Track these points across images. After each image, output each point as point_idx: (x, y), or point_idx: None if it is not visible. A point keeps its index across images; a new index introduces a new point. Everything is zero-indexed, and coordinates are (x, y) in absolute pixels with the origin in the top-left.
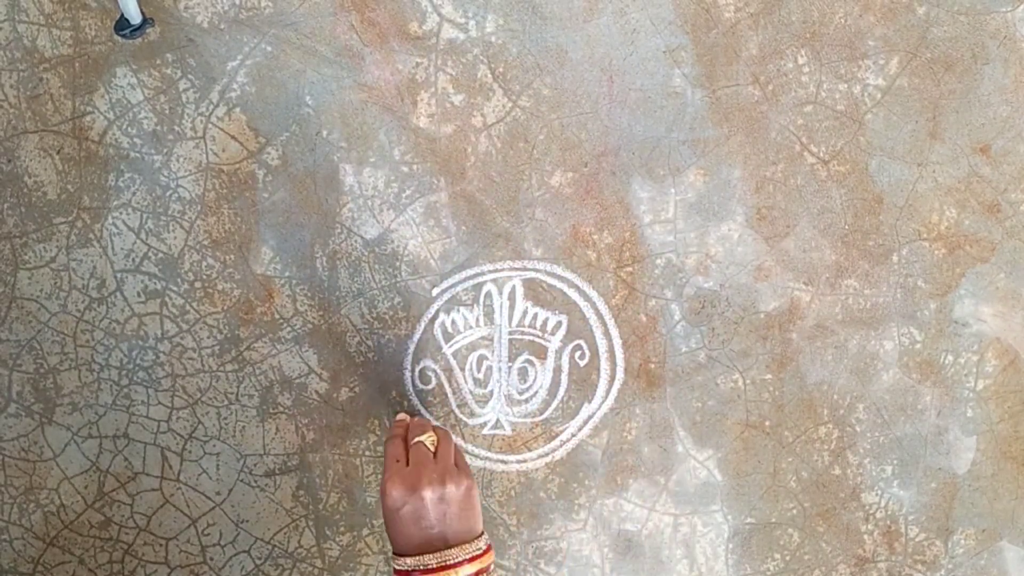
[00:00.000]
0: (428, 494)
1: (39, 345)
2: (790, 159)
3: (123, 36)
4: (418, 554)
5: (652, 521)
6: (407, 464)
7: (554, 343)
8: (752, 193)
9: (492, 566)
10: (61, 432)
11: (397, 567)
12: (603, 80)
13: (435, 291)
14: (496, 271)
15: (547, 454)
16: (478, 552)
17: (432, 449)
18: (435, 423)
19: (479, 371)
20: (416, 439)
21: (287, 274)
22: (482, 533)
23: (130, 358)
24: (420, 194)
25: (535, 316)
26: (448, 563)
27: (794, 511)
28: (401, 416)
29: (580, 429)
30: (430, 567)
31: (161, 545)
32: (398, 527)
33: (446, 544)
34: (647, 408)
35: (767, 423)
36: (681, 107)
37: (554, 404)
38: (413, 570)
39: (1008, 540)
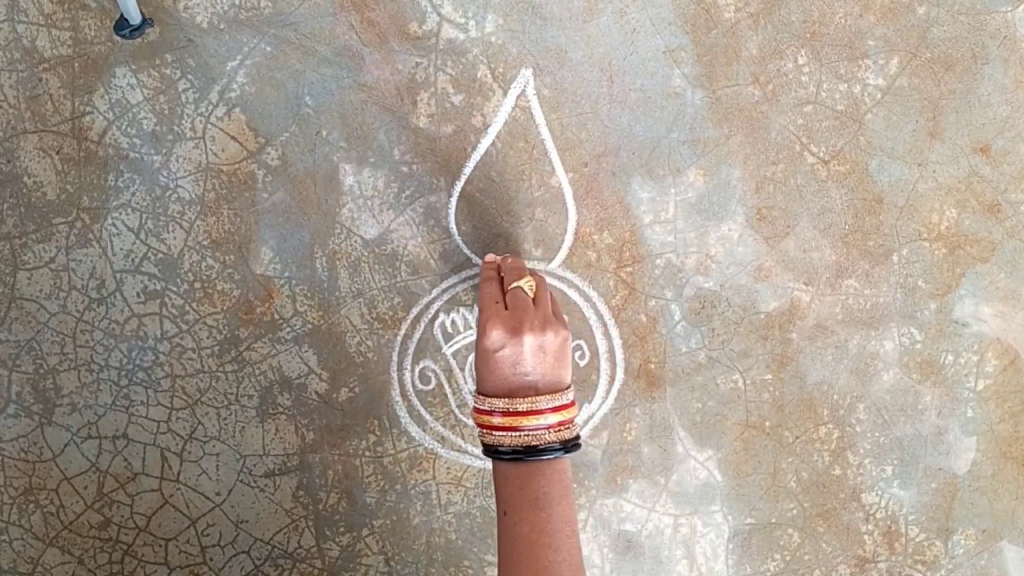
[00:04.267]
0: (529, 340)
1: (39, 346)
2: (790, 159)
3: (122, 36)
4: (508, 396)
5: (652, 521)
6: (505, 307)
7: None
8: (752, 193)
9: (575, 420)
10: (60, 432)
11: (480, 406)
12: (603, 80)
13: (435, 291)
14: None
15: None
16: (565, 403)
17: (530, 295)
18: (529, 267)
19: None
20: (515, 284)
21: (287, 274)
22: (570, 386)
23: (130, 358)
24: (420, 194)
25: None
26: (537, 408)
27: (794, 511)
28: (490, 257)
29: (580, 429)
30: (518, 410)
31: (161, 546)
32: (492, 369)
33: (536, 391)
34: (647, 408)
35: (767, 423)
36: (681, 107)
37: None
38: (496, 411)
39: (1008, 540)
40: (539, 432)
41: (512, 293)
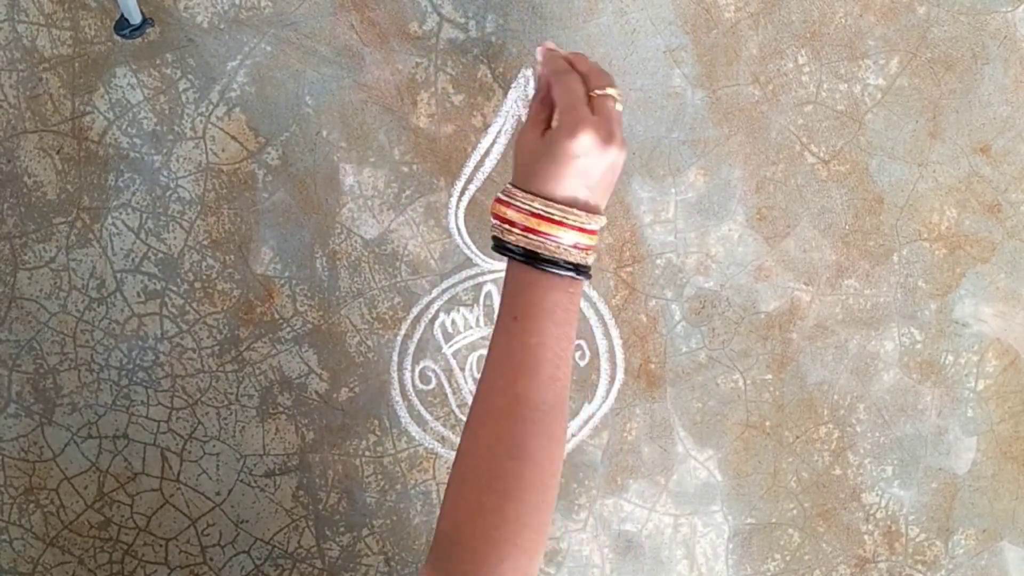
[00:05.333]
0: (612, 156)
1: (39, 345)
2: (790, 159)
3: (123, 36)
4: (549, 199)
5: (652, 521)
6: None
7: None
8: (752, 193)
9: (591, 250)
10: (61, 432)
11: (521, 204)
12: None
13: (435, 291)
14: (496, 271)
15: None
16: (594, 228)
17: (619, 107)
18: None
19: (479, 371)
20: (607, 90)
21: (287, 274)
22: (603, 215)
23: (130, 358)
24: (420, 194)
25: None
26: (569, 222)
27: (794, 511)
28: (551, 44)
29: (580, 429)
30: (560, 220)
31: (161, 545)
32: (562, 171)
33: (583, 207)
34: (647, 408)
35: (767, 423)
36: (681, 107)
37: None
38: (535, 212)
39: (1009, 540)
40: (560, 245)
41: (603, 100)
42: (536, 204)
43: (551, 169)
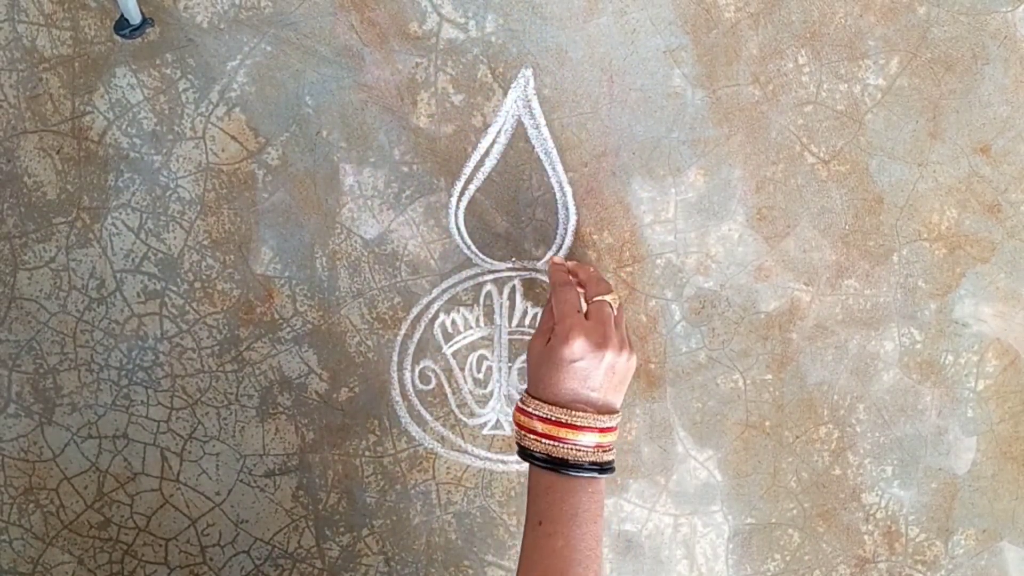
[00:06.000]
0: (609, 358)
1: (39, 345)
2: (790, 159)
3: (123, 36)
4: (563, 407)
5: (652, 521)
6: (587, 317)
7: None
8: (752, 193)
9: (612, 445)
10: (61, 432)
11: (526, 408)
12: (603, 80)
13: (435, 291)
14: (496, 271)
15: None
16: (611, 426)
17: (615, 311)
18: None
19: (479, 371)
20: (602, 297)
21: (287, 274)
22: (618, 412)
23: (130, 358)
24: (420, 194)
25: (535, 316)
26: (586, 426)
27: (794, 511)
28: (557, 259)
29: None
30: (569, 423)
31: (161, 545)
32: (562, 378)
33: (592, 408)
34: (647, 408)
35: (767, 423)
36: (681, 107)
37: None
38: (545, 418)
39: (1008, 540)
40: (579, 449)
41: (598, 305)
42: (545, 410)
43: (553, 375)
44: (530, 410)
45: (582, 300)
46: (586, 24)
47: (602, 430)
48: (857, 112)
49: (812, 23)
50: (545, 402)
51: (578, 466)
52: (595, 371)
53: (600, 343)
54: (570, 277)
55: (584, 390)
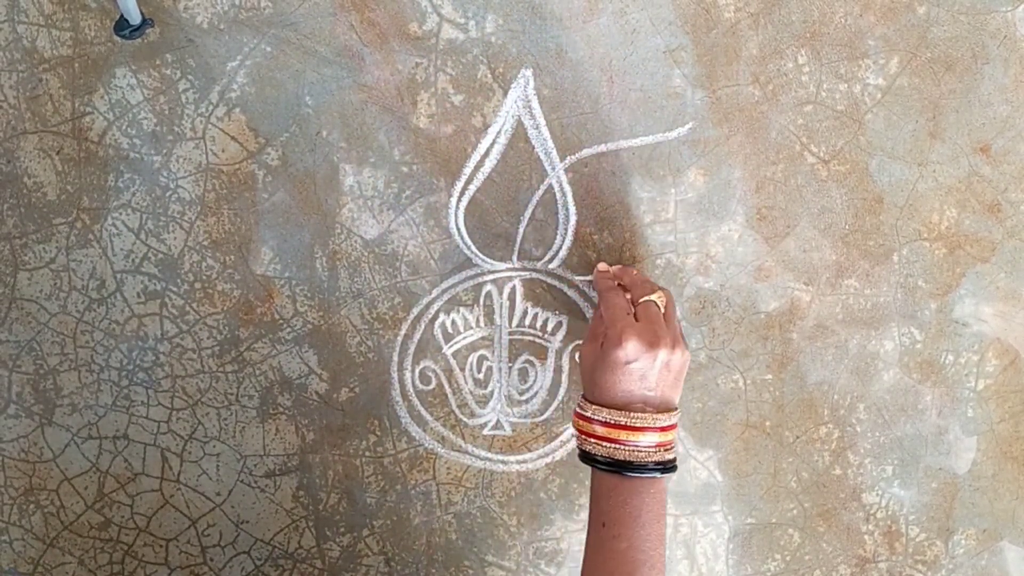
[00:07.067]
0: (663, 355)
1: (39, 346)
2: (790, 159)
3: (122, 37)
4: (620, 409)
5: None
6: (636, 319)
7: (554, 343)
8: (752, 193)
9: (673, 443)
10: (61, 433)
11: (585, 412)
12: (603, 80)
13: (435, 291)
14: (496, 271)
15: (547, 454)
16: (671, 424)
17: (662, 309)
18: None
19: (479, 372)
20: (649, 297)
21: (287, 274)
22: (677, 408)
23: (130, 359)
24: (420, 194)
25: (535, 316)
26: (646, 426)
27: (794, 511)
28: (602, 266)
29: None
30: (629, 425)
31: (161, 546)
32: (618, 380)
33: (650, 408)
34: None
35: (767, 423)
36: (681, 107)
37: (554, 404)
38: (604, 421)
39: (1009, 540)
40: (641, 450)
41: (645, 306)
42: (604, 413)
43: (608, 378)
44: (589, 415)
45: (630, 304)
46: (586, 24)
47: (662, 429)
48: (857, 112)
49: (812, 23)
50: (603, 406)
51: (641, 467)
52: (650, 370)
53: (653, 342)
54: (614, 283)
55: (641, 390)
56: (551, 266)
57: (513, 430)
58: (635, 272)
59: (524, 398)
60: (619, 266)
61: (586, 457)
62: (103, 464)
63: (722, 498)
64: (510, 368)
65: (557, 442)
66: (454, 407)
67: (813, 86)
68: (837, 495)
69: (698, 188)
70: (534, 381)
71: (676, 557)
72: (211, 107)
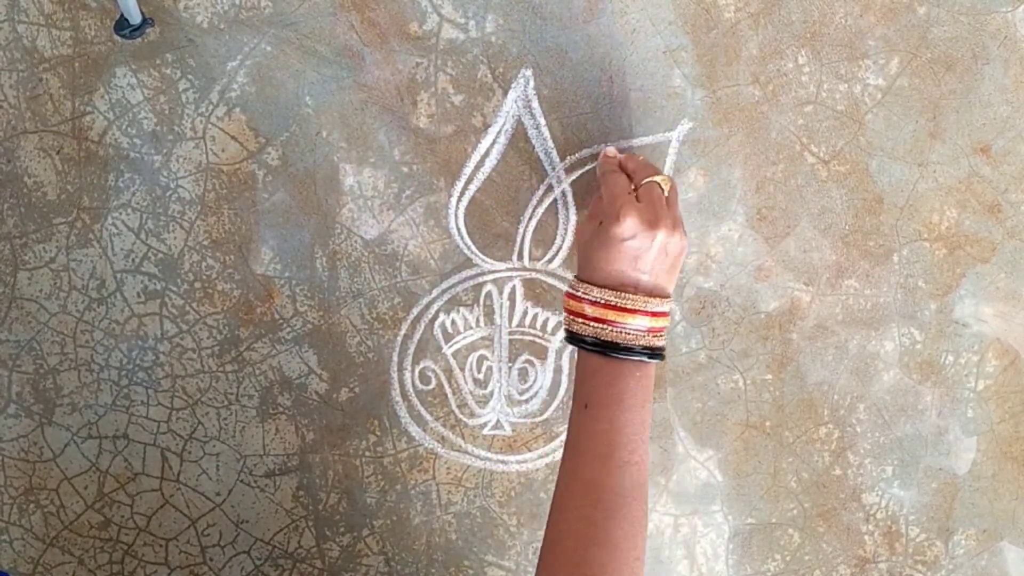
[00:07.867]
0: (661, 237)
1: (39, 346)
2: (790, 159)
3: (123, 36)
4: (612, 288)
5: (652, 521)
6: (637, 200)
7: (554, 343)
8: (752, 193)
9: (664, 331)
10: (61, 433)
11: (575, 292)
12: (603, 80)
13: (435, 291)
14: (496, 271)
15: (547, 454)
16: (663, 311)
17: (666, 192)
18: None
19: (479, 371)
20: (650, 179)
21: (287, 274)
22: (670, 296)
23: (130, 358)
24: (420, 194)
25: (535, 316)
26: (637, 308)
27: (794, 511)
28: (611, 150)
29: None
30: (619, 306)
31: (161, 546)
32: (612, 257)
33: (643, 291)
34: None
35: (767, 423)
36: (681, 107)
37: (554, 404)
38: (595, 300)
39: (1009, 540)
40: (630, 332)
41: (648, 187)
42: (595, 293)
43: (603, 256)
44: (579, 294)
45: (632, 187)
46: (586, 24)
47: (653, 314)
48: (857, 112)
49: (812, 23)
50: (594, 285)
51: (628, 349)
52: (647, 251)
53: (652, 222)
54: (617, 166)
55: (634, 272)
56: (551, 266)
57: (513, 430)
58: (640, 157)
59: (524, 398)
60: (627, 154)
61: (573, 338)
62: (103, 464)
63: (722, 498)
64: (510, 368)
65: (557, 442)
66: (454, 407)
67: (813, 86)
68: (837, 495)
69: (698, 188)
70: (534, 381)
71: (676, 557)
72: (211, 107)
